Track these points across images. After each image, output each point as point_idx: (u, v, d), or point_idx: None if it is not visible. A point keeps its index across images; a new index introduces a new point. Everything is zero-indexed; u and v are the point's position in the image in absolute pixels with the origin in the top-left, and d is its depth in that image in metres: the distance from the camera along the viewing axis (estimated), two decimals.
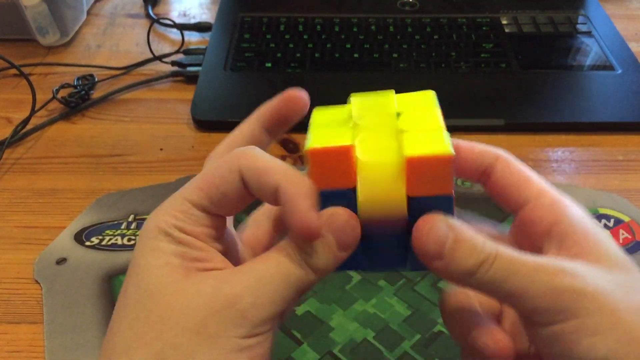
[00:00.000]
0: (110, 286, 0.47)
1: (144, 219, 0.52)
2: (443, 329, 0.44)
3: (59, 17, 0.73)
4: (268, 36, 0.73)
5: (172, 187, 0.55)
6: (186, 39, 0.74)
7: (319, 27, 0.75)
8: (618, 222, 0.52)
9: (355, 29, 0.74)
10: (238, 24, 0.75)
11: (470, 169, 0.31)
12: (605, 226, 0.51)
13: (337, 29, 0.74)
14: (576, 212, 0.29)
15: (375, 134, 0.28)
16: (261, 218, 0.33)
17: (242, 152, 0.27)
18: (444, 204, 0.27)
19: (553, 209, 0.29)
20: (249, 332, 0.25)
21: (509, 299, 0.26)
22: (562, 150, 0.60)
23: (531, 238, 0.29)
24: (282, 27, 0.75)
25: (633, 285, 0.26)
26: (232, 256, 0.29)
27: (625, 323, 0.25)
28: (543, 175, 0.57)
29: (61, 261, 0.49)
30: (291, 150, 0.60)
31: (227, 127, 0.62)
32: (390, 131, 0.28)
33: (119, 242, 0.50)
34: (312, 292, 0.46)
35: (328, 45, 0.72)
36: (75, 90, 0.66)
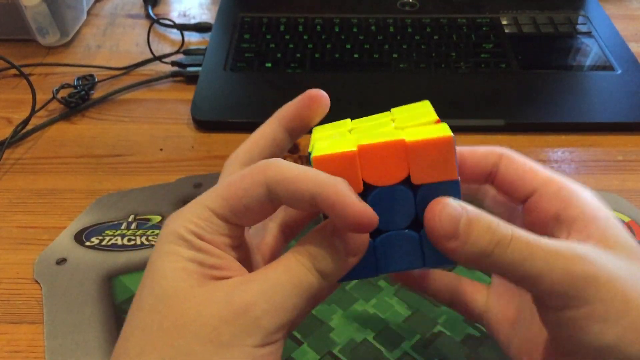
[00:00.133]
0: (110, 286, 0.47)
1: (144, 219, 0.52)
2: (443, 329, 0.44)
3: (59, 18, 0.73)
4: (268, 36, 0.73)
5: (172, 187, 0.55)
6: (186, 39, 0.74)
7: (319, 27, 0.75)
8: None
9: (355, 29, 0.74)
10: (238, 24, 0.75)
11: (476, 172, 0.31)
12: None
13: (337, 29, 0.74)
14: (585, 196, 0.29)
15: (374, 132, 0.29)
16: (271, 224, 0.33)
17: (267, 164, 0.27)
18: (451, 190, 0.27)
19: (561, 194, 0.29)
20: (263, 341, 0.25)
21: (524, 281, 0.26)
22: (562, 151, 0.60)
23: (540, 225, 0.29)
24: (282, 28, 0.75)
25: None
26: (249, 264, 0.29)
27: (634, 311, 0.25)
28: None
29: (61, 261, 0.49)
30: (291, 150, 0.60)
31: (227, 127, 0.62)
32: (389, 130, 0.29)
33: (119, 242, 0.50)
34: None
35: (328, 46, 0.72)
36: (75, 91, 0.66)
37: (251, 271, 0.28)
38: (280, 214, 0.33)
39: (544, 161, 0.58)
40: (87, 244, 0.50)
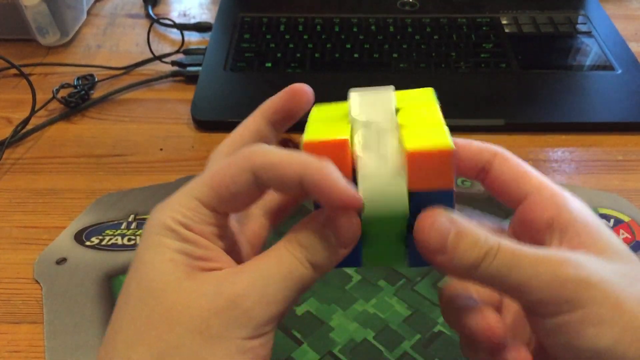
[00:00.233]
0: (110, 286, 0.47)
1: (144, 219, 0.52)
2: (443, 329, 0.44)
3: (59, 17, 0.73)
4: (268, 36, 0.73)
5: (172, 187, 0.55)
6: (186, 39, 0.74)
7: (319, 27, 0.75)
8: (618, 222, 0.52)
9: (355, 29, 0.74)
10: (238, 24, 0.75)
11: (468, 166, 0.30)
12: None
13: (337, 29, 0.74)
14: (576, 205, 0.29)
15: (374, 130, 0.28)
16: (255, 211, 0.33)
17: (252, 151, 0.27)
18: (445, 199, 0.27)
19: (553, 201, 0.29)
20: (253, 333, 0.25)
21: (513, 291, 0.26)
22: (562, 150, 0.60)
23: (532, 231, 0.29)
24: (282, 27, 0.75)
25: (635, 275, 0.26)
26: (235, 253, 0.29)
27: (629, 313, 0.25)
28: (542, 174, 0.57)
29: (61, 261, 0.49)
30: (283, 144, 0.59)
31: (227, 127, 0.62)
32: (389, 126, 0.28)
33: (119, 242, 0.50)
34: (312, 292, 0.46)
35: (328, 46, 0.72)
36: (75, 90, 0.66)
37: (238, 261, 0.27)
38: (264, 200, 0.33)
39: (544, 161, 0.58)
40: (87, 243, 0.50)
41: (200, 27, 0.78)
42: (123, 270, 0.48)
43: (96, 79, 0.69)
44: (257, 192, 0.27)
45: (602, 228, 0.28)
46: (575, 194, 0.54)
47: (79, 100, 0.65)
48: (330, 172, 0.25)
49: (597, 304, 0.25)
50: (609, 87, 0.66)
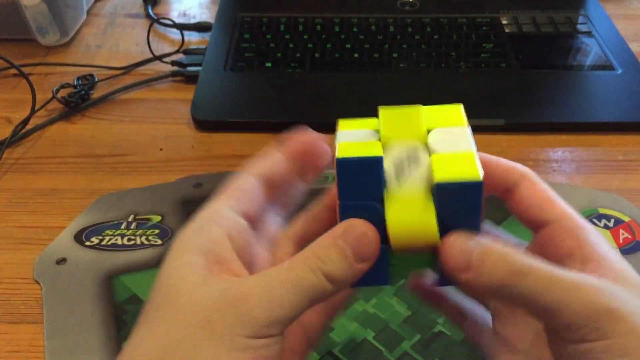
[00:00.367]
0: (110, 286, 0.47)
1: (144, 219, 0.52)
2: (443, 329, 0.44)
3: (59, 17, 0.73)
4: (268, 36, 0.73)
5: (172, 187, 0.55)
6: (186, 39, 0.74)
7: (319, 27, 0.75)
8: (618, 222, 0.52)
9: (355, 29, 0.74)
10: (238, 24, 0.75)
11: (495, 184, 0.31)
12: (606, 226, 0.51)
13: (337, 29, 0.74)
14: (597, 238, 0.29)
15: (405, 154, 0.28)
16: (284, 240, 0.33)
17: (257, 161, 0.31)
18: (472, 223, 0.27)
19: (576, 232, 0.29)
20: (255, 333, 0.25)
21: (543, 313, 0.26)
22: (563, 150, 0.60)
23: (551, 258, 0.29)
24: (282, 27, 0.75)
25: None
26: (254, 269, 0.30)
27: None
28: (543, 175, 0.57)
29: (61, 261, 0.49)
30: None
31: (227, 127, 0.62)
32: (419, 151, 0.28)
33: (119, 242, 0.50)
34: None
35: (328, 45, 0.72)
36: (75, 90, 0.66)
37: None
38: (296, 232, 0.33)
39: (544, 161, 0.58)
40: (87, 243, 0.50)
41: (200, 27, 0.78)
42: (123, 271, 0.48)
43: (96, 79, 0.69)
44: (264, 195, 0.31)
45: (623, 263, 0.28)
46: (576, 194, 0.54)
47: (79, 100, 0.65)
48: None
49: (623, 336, 0.25)
50: (609, 87, 0.66)
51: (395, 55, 0.70)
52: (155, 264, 0.49)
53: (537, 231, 0.30)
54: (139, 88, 0.68)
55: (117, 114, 0.65)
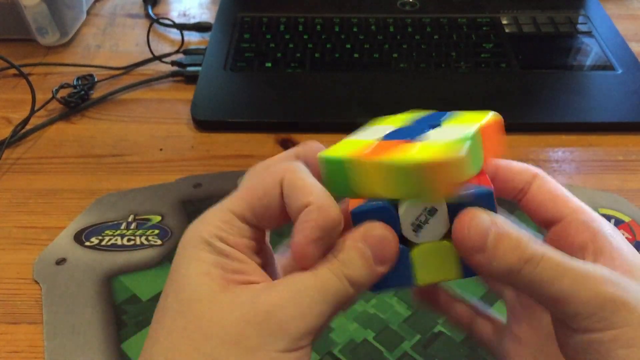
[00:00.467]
0: (110, 286, 0.47)
1: (143, 219, 0.52)
2: (443, 329, 0.44)
3: (59, 17, 0.73)
4: (268, 36, 0.73)
5: (171, 187, 0.55)
6: (186, 39, 0.74)
7: (319, 27, 0.75)
8: (618, 222, 0.52)
9: (355, 29, 0.74)
10: (238, 24, 0.75)
11: (508, 187, 0.31)
12: None
13: (337, 29, 0.74)
14: (610, 231, 0.29)
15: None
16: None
17: (286, 166, 0.27)
18: (484, 201, 0.26)
19: (590, 225, 0.29)
20: (288, 346, 0.25)
21: (550, 300, 0.26)
22: (563, 151, 0.60)
23: (565, 250, 0.28)
24: (282, 27, 0.75)
25: None
26: (270, 272, 0.29)
27: None
28: None
29: (61, 261, 0.49)
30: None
31: (226, 127, 0.62)
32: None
33: (119, 242, 0.50)
34: None
35: (328, 45, 0.72)
36: (75, 91, 0.66)
37: (273, 279, 0.27)
38: None
39: (544, 161, 0.58)
40: (87, 244, 0.50)
41: (200, 27, 0.78)
42: (123, 271, 0.48)
43: (96, 79, 0.69)
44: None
45: (636, 254, 0.28)
46: (576, 194, 0.54)
47: (79, 101, 0.65)
48: (321, 220, 0.25)
49: (631, 327, 0.25)
50: (610, 87, 0.66)
51: (395, 55, 0.70)
52: (155, 264, 0.49)
53: (549, 228, 0.30)
54: (139, 88, 0.68)
55: (117, 114, 0.65)
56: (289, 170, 0.27)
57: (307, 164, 0.29)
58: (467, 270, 0.27)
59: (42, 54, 0.74)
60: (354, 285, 0.26)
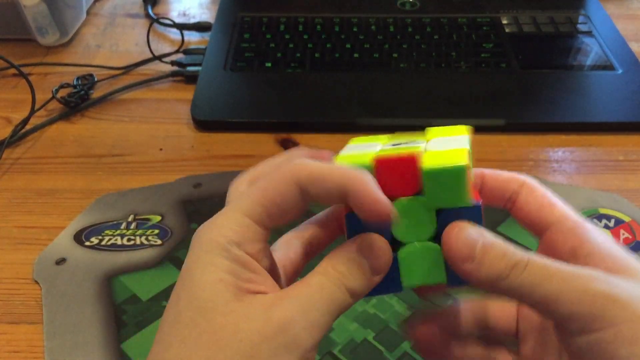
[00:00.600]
0: (110, 286, 0.47)
1: (143, 219, 0.52)
2: None
3: (59, 17, 0.73)
4: (268, 36, 0.73)
5: (171, 187, 0.55)
6: (186, 38, 0.74)
7: (319, 27, 0.75)
8: (619, 222, 0.52)
9: (355, 29, 0.74)
10: (238, 24, 0.75)
11: (496, 196, 0.32)
12: (606, 226, 0.51)
13: (337, 28, 0.74)
14: (598, 234, 0.29)
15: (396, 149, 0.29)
16: (292, 240, 0.33)
17: (295, 165, 0.27)
18: (471, 214, 0.28)
19: (577, 231, 0.29)
20: (300, 359, 0.26)
21: (542, 304, 0.26)
22: (563, 151, 0.60)
23: (558, 253, 0.29)
24: (282, 27, 0.74)
25: None
26: (274, 274, 0.30)
27: None
28: (543, 175, 0.57)
29: (61, 261, 0.49)
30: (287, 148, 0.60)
31: (226, 127, 0.62)
32: (411, 148, 0.29)
33: (119, 242, 0.50)
34: None
35: (328, 45, 0.71)
36: (75, 90, 0.66)
37: (276, 282, 0.28)
38: (306, 233, 0.33)
39: (544, 161, 0.58)
40: (87, 244, 0.50)
41: (200, 27, 0.78)
42: (123, 271, 0.48)
43: (95, 79, 0.69)
44: (303, 205, 0.27)
45: (626, 255, 0.28)
46: (576, 194, 0.54)
47: (79, 100, 0.65)
48: (370, 182, 0.26)
49: (628, 322, 0.25)
50: (610, 87, 0.66)
51: (395, 55, 0.70)
52: (155, 264, 0.49)
53: (541, 235, 0.31)
54: (139, 88, 0.68)
55: (117, 114, 0.65)
56: (300, 168, 0.27)
57: None
58: (454, 278, 0.28)
59: (42, 54, 0.74)
60: (353, 296, 0.27)
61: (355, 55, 0.70)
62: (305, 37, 0.73)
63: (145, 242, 0.50)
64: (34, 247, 0.50)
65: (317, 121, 0.62)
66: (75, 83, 0.67)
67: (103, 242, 0.50)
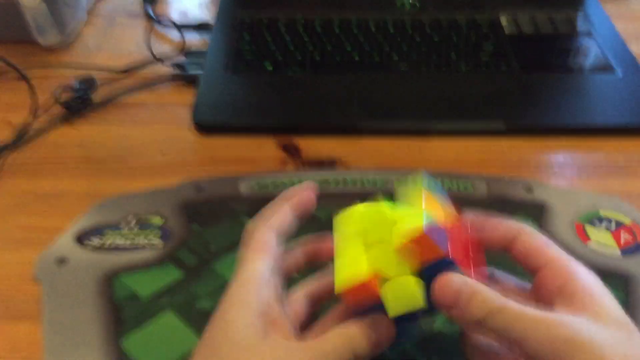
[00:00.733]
0: (111, 287, 0.47)
1: (145, 221, 0.52)
2: (443, 329, 0.44)
3: (59, 18, 0.73)
4: (268, 38, 0.73)
5: (173, 191, 0.55)
6: (186, 39, 0.74)
7: (318, 28, 0.74)
8: (619, 224, 0.52)
9: (355, 30, 0.74)
10: (238, 25, 0.75)
11: (498, 242, 0.37)
12: (607, 228, 0.51)
13: (337, 30, 0.74)
14: (584, 275, 0.34)
15: (383, 251, 0.34)
16: (299, 293, 0.39)
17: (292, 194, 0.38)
18: (446, 266, 0.33)
19: (564, 271, 0.34)
20: None
21: (515, 343, 0.31)
22: (564, 154, 0.60)
23: (546, 296, 0.34)
24: (281, 28, 0.74)
25: (627, 342, 0.30)
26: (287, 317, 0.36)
27: None
28: (544, 178, 0.57)
29: (62, 261, 0.49)
30: (292, 154, 0.60)
31: (228, 130, 0.62)
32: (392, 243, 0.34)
33: (120, 243, 0.50)
34: None
35: (328, 47, 0.71)
36: (77, 95, 0.66)
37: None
38: (307, 285, 0.39)
39: (545, 164, 0.58)
40: (88, 244, 0.50)
41: (200, 28, 0.78)
42: (123, 270, 0.48)
43: (97, 82, 0.68)
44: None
45: (605, 297, 0.33)
46: (577, 197, 0.54)
47: (80, 105, 0.65)
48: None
49: None
50: (609, 90, 0.66)
51: (395, 56, 0.70)
52: (156, 264, 0.49)
53: (535, 274, 0.35)
54: (140, 91, 0.68)
55: (118, 118, 0.65)
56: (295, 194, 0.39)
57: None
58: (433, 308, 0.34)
59: (43, 55, 0.74)
60: (357, 357, 0.33)
61: (355, 57, 0.70)
62: (306, 38, 0.73)
63: (146, 242, 0.50)
64: (35, 247, 0.50)
65: (318, 124, 0.62)
66: (76, 86, 0.67)
67: (104, 243, 0.50)
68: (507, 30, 0.74)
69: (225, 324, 0.33)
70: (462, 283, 0.32)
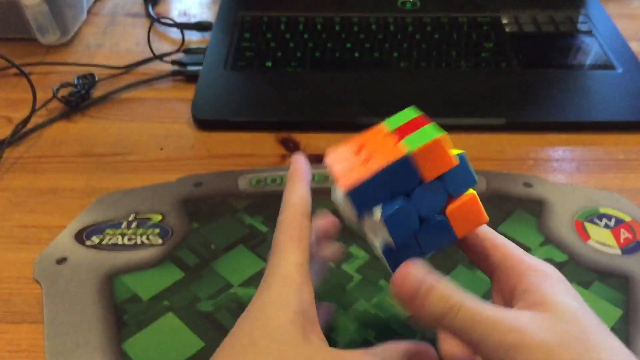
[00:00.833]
0: (111, 286, 0.47)
1: (144, 219, 0.52)
2: None
3: (59, 16, 0.73)
4: (268, 35, 0.73)
5: (172, 187, 0.55)
6: (186, 38, 0.74)
7: (319, 26, 0.75)
8: (619, 221, 0.52)
9: (355, 28, 0.74)
10: (238, 23, 0.75)
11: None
12: (606, 226, 0.51)
13: (337, 28, 0.74)
14: (533, 273, 0.33)
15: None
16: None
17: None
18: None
19: (515, 270, 0.33)
20: None
21: (471, 346, 0.30)
22: (563, 150, 0.60)
23: (505, 293, 0.34)
24: (282, 27, 0.75)
25: (573, 335, 0.29)
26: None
27: None
28: (544, 174, 0.57)
29: (61, 261, 0.49)
30: (292, 150, 0.60)
31: (227, 126, 0.62)
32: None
33: (120, 241, 0.50)
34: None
35: (328, 45, 0.72)
36: (76, 90, 0.66)
37: None
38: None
39: (544, 160, 0.58)
40: (88, 243, 0.50)
41: (200, 26, 0.78)
42: (123, 270, 0.48)
43: (96, 78, 0.69)
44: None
45: (556, 292, 0.32)
46: (576, 193, 0.54)
47: (79, 100, 0.65)
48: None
49: None
50: (610, 86, 0.66)
51: (395, 54, 0.70)
52: (156, 263, 0.49)
53: (491, 277, 0.35)
54: (139, 87, 0.68)
55: (118, 113, 0.65)
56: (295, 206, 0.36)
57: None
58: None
59: (43, 53, 0.74)
60: None
61: (356, 54, 0.70)
62: (306, 36, 0.73)
63: (146, 241, 0.50)
64: (35, 247, 0.50)
65: (317, 120, 0.62)
66: (76, 82, 0.67)
67: (104, 242, 0.50)
68: (507, 29, 0.74)
69: (266, 318, 0.32)
70: (422, 275, 0.32)
